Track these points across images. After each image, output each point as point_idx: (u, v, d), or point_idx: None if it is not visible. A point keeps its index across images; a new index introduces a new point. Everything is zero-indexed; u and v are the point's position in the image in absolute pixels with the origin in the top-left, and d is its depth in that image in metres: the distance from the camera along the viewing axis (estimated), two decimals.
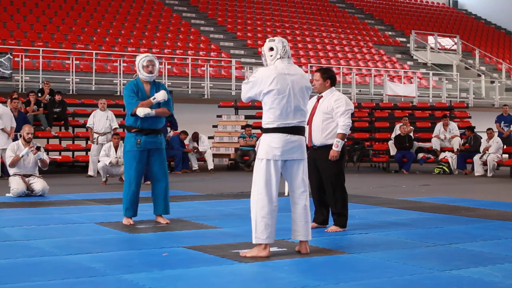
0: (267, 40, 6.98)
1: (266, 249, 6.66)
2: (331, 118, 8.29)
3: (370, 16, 41.26)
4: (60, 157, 19.45)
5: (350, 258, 6.69)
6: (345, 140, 8.40)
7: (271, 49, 6.84)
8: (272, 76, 6.67)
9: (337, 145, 8.24)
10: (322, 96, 8.43)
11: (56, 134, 19.91)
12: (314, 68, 29.65)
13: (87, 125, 18.35)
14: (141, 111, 8.70)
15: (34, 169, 12.85)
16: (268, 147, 6.69)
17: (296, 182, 6.91)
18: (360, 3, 43.04)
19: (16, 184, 12.55)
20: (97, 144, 17.83)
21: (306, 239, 6.88)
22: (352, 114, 8.63)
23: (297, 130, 6.73)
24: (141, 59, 8.96)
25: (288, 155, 6.72)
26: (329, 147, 8.29)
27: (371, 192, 13.74)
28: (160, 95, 8.76)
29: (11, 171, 12.92)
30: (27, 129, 12.87)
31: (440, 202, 11.85)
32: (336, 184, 8.46)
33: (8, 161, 12.83)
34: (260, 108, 23.74)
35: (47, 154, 14.60)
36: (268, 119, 6.73)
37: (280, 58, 6.79)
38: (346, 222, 8.48)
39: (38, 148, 12.67)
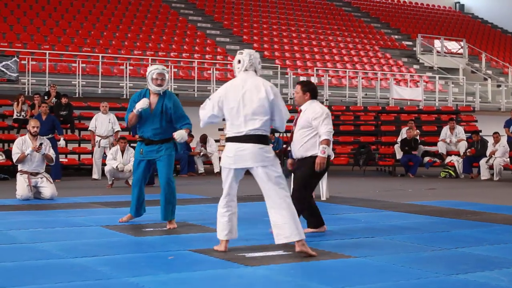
0: (237, 52, 7.27)
1: (222, 244, 7.14)
2: (310, 130, 8.31)
3: (377, 20, 41.24)
4: (66, 160, 19.49)
5: (356, 262, 6.68)
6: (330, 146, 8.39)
7: (239, 61, 7.15)
8: (223, 91, 7.10)
9: (323, 151, 8.21)
10: (301, 110, 8.47)
11: (62, 137, 19.90)
12: (320, 72, 29.68)
13: (89, 128, 18.37)
14: (139, 105, 8.84)
15: (41, 166, 12.86)
16: (224, 156, 7.18)
17: (266, 187, 7.06)
18: (366, 6, 43.02)
19: (21, 190, 12.56)
20: (99, 147, 17.86)
21: (300, 238, 6.87)
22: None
23: (248, 138, 6.93)
24: (151, 71, 8.95)
25: (240, 163, 7.04)
26: (308, 158, 8.30)
27: (377, 196, 13.73)
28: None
29: (18, 166, 12.92)
30: (32, 123, 12.93)
31: (446, 206, 11.83)
32: (300, 189, 8.40)
33: (14, 158, 12.86)
34: None
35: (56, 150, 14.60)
36: (226, 130, 7.14)
37: (245, 70, 7.10)
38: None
39: (40, 145, 12.68)
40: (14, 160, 12.93)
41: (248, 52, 7.21)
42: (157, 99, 8.98)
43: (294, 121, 8.54)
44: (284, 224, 6.88)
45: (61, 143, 17.49)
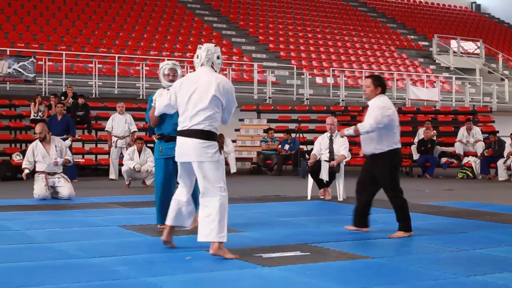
0: (197, 47, 7.29)
1: (165, 229, 7.38)
2: None
3: (393, 20, 41.13)
4: (83, 160, 19.56)
5: (373, 262, 6.67)
6: (357, 134, 8.39)
7: (197, 56, 7.19)
8: (178, 84, 7.17)
9: (348, 129, 8.39)
10: (368, 105, 8.43)
11: (79, 137, 19.99)
12: (336, 72, 29.63)
13: (106, 128, 18.41)
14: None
15: (58, 166, 12.93)
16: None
17: (201, 184, 6.97)
18: (382, 7, 42.92)
19: (38, 189, 12.65)
20: (115, 147, 17.90)
21: (218, 240, 6.80)
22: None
23: (192, 133, 6.92)
24: (163, 67, 8.71)
25: (181, 157, 7.07)
26: (379, 155, 8.29)
27: None
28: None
29: (36, 167, 12.98)
30: (37, 129, 13.07)
31: (463, 207, 11.78)
32: (391, 190, 8.39)
33: (23, 165, 12.98)
34: (283, 112, 23.70)
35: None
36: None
37: (201, 65, 7.13)
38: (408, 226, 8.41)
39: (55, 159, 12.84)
40: (25, 165, 13.00)
41: (206, 46, 7.21)
42: None
43: (364, 117, 8.47)
44: (208, 223, 6.81)
45: (67, 143, 17.50)
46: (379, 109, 8.22)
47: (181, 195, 7.29)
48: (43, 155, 12.79)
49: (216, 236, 6.77)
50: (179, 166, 7.20)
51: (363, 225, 8.59)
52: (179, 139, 7.02)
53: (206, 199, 6.87)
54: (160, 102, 7.35)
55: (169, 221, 7.27)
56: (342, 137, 8.44)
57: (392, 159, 8.32)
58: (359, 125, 8.33)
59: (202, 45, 7.26)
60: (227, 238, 6.83)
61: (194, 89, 6.97)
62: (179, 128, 7.05)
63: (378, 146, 8.29)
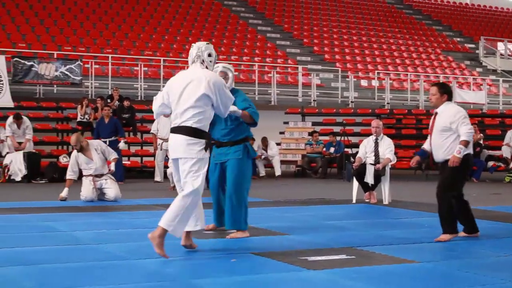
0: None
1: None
2: (449, 133, 8.27)
3: (438, 22, 40.78)
4: (129, 163, 19.71)
5: (419, 267, 6.60)
6: (466, 146, 8.30)
7: (190, 55, 7.33)
8: (170, 82, 7.29)
9: (459, 152, 8.18)
10: (437, 113, 8.41)
11: (125, 140, 20.14)
12: (381, 75, 29.48)
13: (151, 131, 18.50)
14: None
15: (104, 168, 13.03)
16: None
17: (182, 180, 7.07)
18: (428, 9, 42.58)
19: (85, 191, 12.79)
20: (161, 150, 18.01)
21: (165, 227, 6.85)
22: None
23: (181, 129, 6.99)
24: (214, 69, 8.34)
25: (172, 153, 7.19)
26: (448, 161, 8.22)
27: None
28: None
29: (83, 171, 13.10)
30: (72, 142, 13.13)
31: (511, 211, 11.62)
32: (443, 193, 8.29)
33: (67, 175, 13.10)
34: (327, 114, 23.61)
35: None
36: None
37: (192, 63, 7.25)
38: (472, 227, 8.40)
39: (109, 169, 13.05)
40: (69, 176, 13.08)
41: (197, 45, 7.33)
42: None
43: (430, 124, 8.52)
44: (168, 212, 6.88)
45: (121, 145, 17.65)
46: (459, 113, 8.25)
47: None
48: (87, 162, 12.89)
49: (164, 222, 6.86)
50: (173, 164, 7.29)
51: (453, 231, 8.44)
52: (171, 135, 7.13)
53: (180, 196, 6.96)
54: (155, 103, 7.39)
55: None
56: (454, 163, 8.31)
57: (463, 163, 8.23)
58: (462, 136, 8.20)
59: (194, 43, 7.39)
60: (174, 231, 6.88)
61: (184, 86, 7.06)
62: (172, 125, 7.15)
63: (451, 152, 8.22)
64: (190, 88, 7.01)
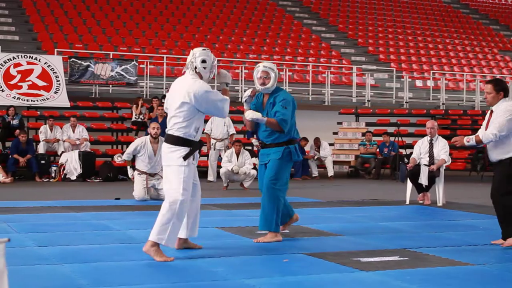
0: None
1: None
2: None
3: (495, 22, 40.22)
4: None
5: (475, 269, 6.52)
6: (479, 144, 8.12)
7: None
8: (170, 91, 7.48)
9: (468, 140, 8.06)
10: (493, 111, 8.10)
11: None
12: (436, 75, 29.18)
13: (205, 131, 18.51)
14: (248, 114, 8.24)
15: (160, 166, 13.07)
16: None
17: (163, 187, 7.39)
18: (485, 8, 42.03)
19: (137, 191, 12.92)
20: (214, 149, 18.07)
21: (152, 239, 6.93)
22: None
23: (166, 138, 7.23)
24: (256, 69, 8.50)
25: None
26: (503, 162, 7.97)
27: None
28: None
29: (136, 165, 13.21)
30: (152, 125, 13.27)
31: None
32: (503, 195, 7.98)
33: (125, 156, 13.30)
34: (381, 115, 23.45)
35: None
36: None
37: (187, 69, 7.39)
38: None
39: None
40: (123, 156, 13.35)
41: (193, 51, 7.40)
42: (267, 98, 8.39)
43: (485, 122, 8.17)
44: (156, 223, 7.03)
45: None
46: (504, 114, 7.88)
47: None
48: (150, 156, 12.94)
49: (154, 236, 6.91)
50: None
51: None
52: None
53: (164, 201, 7.15)
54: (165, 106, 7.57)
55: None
56: (460, 145, 8.13)
57: None
58: (481, 135, 8.06)
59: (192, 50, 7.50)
60: (167, 242, 6.91)
61: (171, 95, 7.32)
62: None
63: (505, 152, 7.94)
64: (173, 98, 7.23)
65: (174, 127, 7.13)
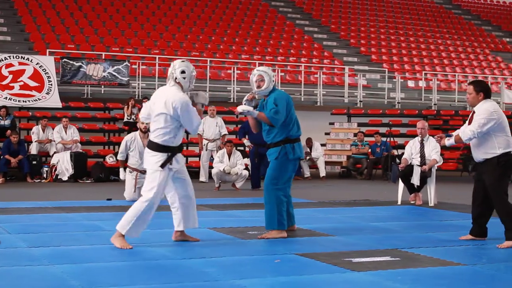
0: None
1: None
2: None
3: (487, 22, 40.30)
4: None
5: (466, 269, 6.54)
6: (458, 142, 8.25)
7: None
8: (151, 99, 7.93)
9: (448, 139, 8.27)
10: (474, 111, 8.17)
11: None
12: (428, 75, 29.24)
13: (197, 131, 18.56)
14: (240, 107, 8.67)
15: None
16: None
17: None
18: (477, 9, 42.11)
19: (127, 193, 13.02)
20: (206, 150, 18.08)
21: (118, 229, 7.53)
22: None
23: (148, 143, 7.77)
24: (252, 73, 8.81)
25: None
26: (488, 161, 8.05)
27: None
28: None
29: (128, 161, 13.22)
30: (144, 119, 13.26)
31: None
32: (497, 197, 8.08)
33: (118, 156, 13.44)
34: (373, 115, 23.46)
35: None
36: None
37: (168, 80, 7.84)
38: None
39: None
40: (118, 157, 13.50)
41: (173, 63, 7.94)
42: (265, 100, 8.72)
43: (467, 123, 8.29)
44: (124, 216, 7.58)
45: None
46: (484, 113, 7.97)
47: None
48: (140, 150, 12.86)
49: (119, 225, 7.53)
50: None
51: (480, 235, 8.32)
52: None
53: (140, 199, 7.67)
54: (144, 111, 8.04)
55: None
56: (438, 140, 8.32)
57: (504, 163, 8.01)
58: (460, 133, 8.14)
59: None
60: (128, 233, 7.47)
61: (153, 102, 7.74)
62: None
63: (489, 151, 8.02)
64: (155, 106, 7.65)
65: (154, 133, 7.64)
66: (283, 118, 8.50)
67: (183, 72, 7.76)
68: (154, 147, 7.63)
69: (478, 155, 8.16)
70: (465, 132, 8.06)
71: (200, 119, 7.78)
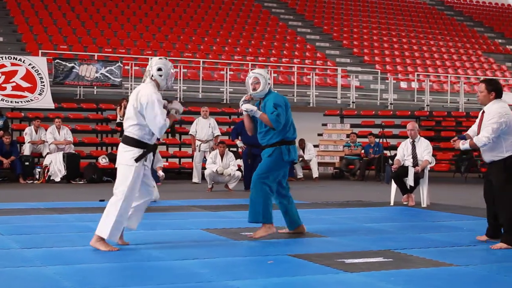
0: None
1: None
2: None
3: (479, 24, 40.39)
4: (167, 164, 19.79)
5: (458, 270, 6.55)
6: (473, 147, 8.26)
7: None
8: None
9: (463, 143, 8.18)
10: (484, 111, 8.16)
11: (163, 141, 20.25)
12: (421, 77, 29.28)
13: (190, 132, 18.60)
14: (244, 105, 8.69)
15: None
16: None
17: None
18: (469, 10, 42.19)
19: None
20: (199, 151, 18.08)
21: (96, 233, 7.41)
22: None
23: (123, 138, 7.69)
24: (247, 76, 8.83)
25: None
26: (495, 163, 8.06)
27: (480, 203, 13.40)
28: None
29: None
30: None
31: None
32: (501, 199, 8.07)
33: None
34: (366, 116, 23.49)
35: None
36: None
37: (146, 77, 7.76)
38: None
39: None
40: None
41: (150, 60, 7.90)
42: (261, 103, 8.73)
43: (477, 122, 8.27)
44: (102, 219, 7.44)
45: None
46: (495, 117, 7.95)
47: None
48: None
49: (99, 230, 7.39)
50: None
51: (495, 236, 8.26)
52: None
53: (111, 198, 7.51)
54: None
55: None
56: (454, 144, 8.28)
57: (510, 166, 8.00)
58: (475, 138, 8.09)
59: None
60: (110, 237, 7.31)
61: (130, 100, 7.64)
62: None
63: (497, 154, 8.03)
64: (130, 104, 7.58)
65: (128, 129, 7.54)
66: (284, 121, 8.56)
67: (159, 69, 7.70)
68: (129, 141, 7.51)
69: (487, 156, 8.17)
70: (479, 138, 8.01)
71: (167, 124, 7.60)
